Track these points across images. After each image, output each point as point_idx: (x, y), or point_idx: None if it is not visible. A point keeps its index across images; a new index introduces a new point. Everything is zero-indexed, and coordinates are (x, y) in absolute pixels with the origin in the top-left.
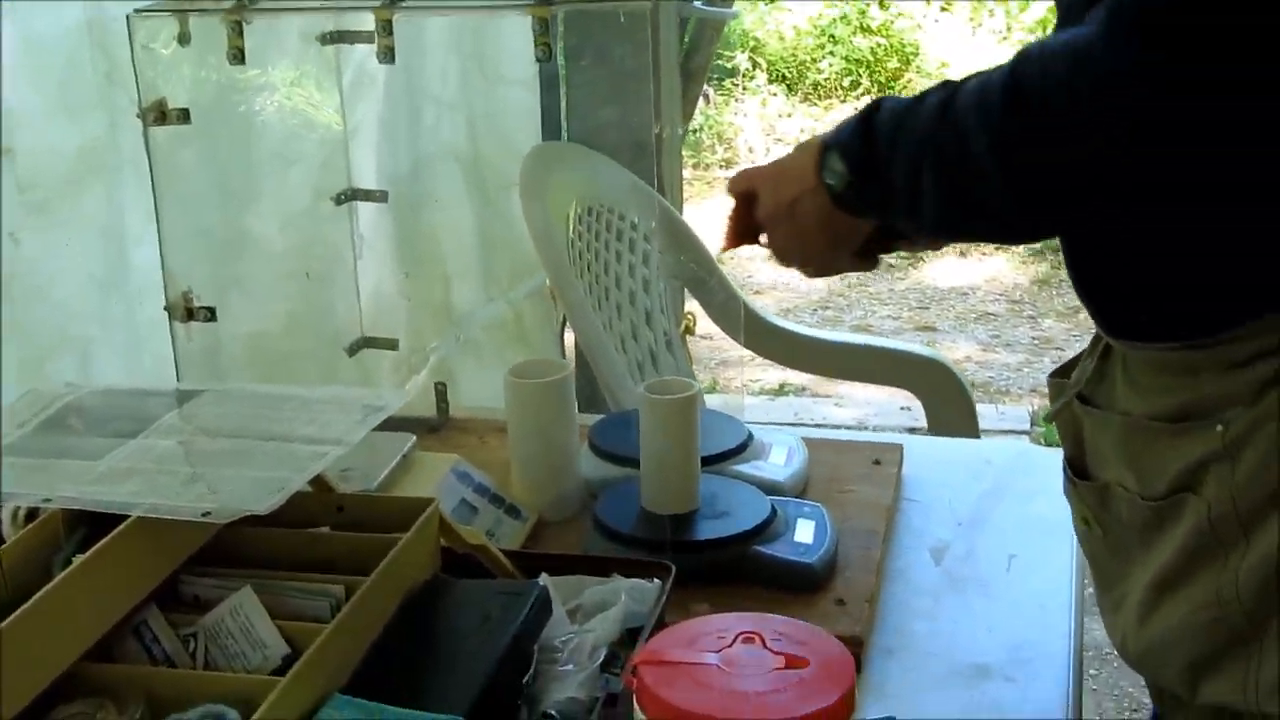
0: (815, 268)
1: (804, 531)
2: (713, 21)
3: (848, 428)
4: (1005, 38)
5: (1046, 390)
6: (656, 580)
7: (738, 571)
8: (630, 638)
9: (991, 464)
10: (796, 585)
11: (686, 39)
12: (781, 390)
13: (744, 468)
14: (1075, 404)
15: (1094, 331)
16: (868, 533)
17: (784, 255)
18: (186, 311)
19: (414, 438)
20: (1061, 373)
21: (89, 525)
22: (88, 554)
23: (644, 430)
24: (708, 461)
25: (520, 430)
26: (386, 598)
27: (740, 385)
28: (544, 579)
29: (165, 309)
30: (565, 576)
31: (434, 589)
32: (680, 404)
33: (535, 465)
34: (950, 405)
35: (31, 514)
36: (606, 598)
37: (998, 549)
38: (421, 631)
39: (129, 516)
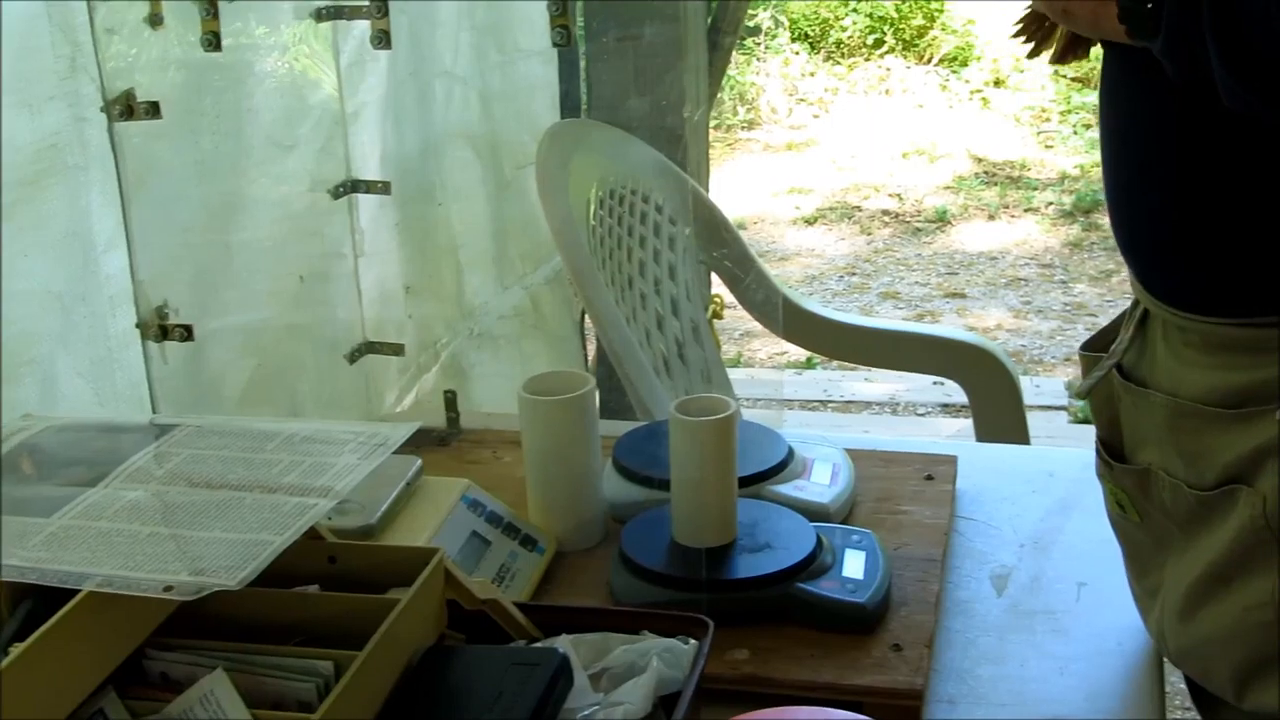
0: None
1: (854, 564)
2: None
3: (879, 404)
4: None
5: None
6: (693, 641)
7: (782, 612)
8: (665, 703)
9: (1054, 476)
10: (847, 627)
11: (714, 4)
12: (810, 364)
13: (785, 489)
14: (1114, 378)
15: (1130, 296)
16: (924, 561)
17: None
18: (160, 330)
19: (419, 462)
20: (1094, 345)
21: (36, 598)
22: (33, 636)
23: (675, 454)
24: (745, 482)
25: (537, 452)
26: (383, 674)
27: (766, 358)
28: (564, 641)
29: (137, 326)
30: (589, 635)
31: (439, 658)
32: (716, 427)
33: (554, 490)
34: (996, 395)
35: None
36: (636, 660)
37: (1066, 575)
38: (426, 713)
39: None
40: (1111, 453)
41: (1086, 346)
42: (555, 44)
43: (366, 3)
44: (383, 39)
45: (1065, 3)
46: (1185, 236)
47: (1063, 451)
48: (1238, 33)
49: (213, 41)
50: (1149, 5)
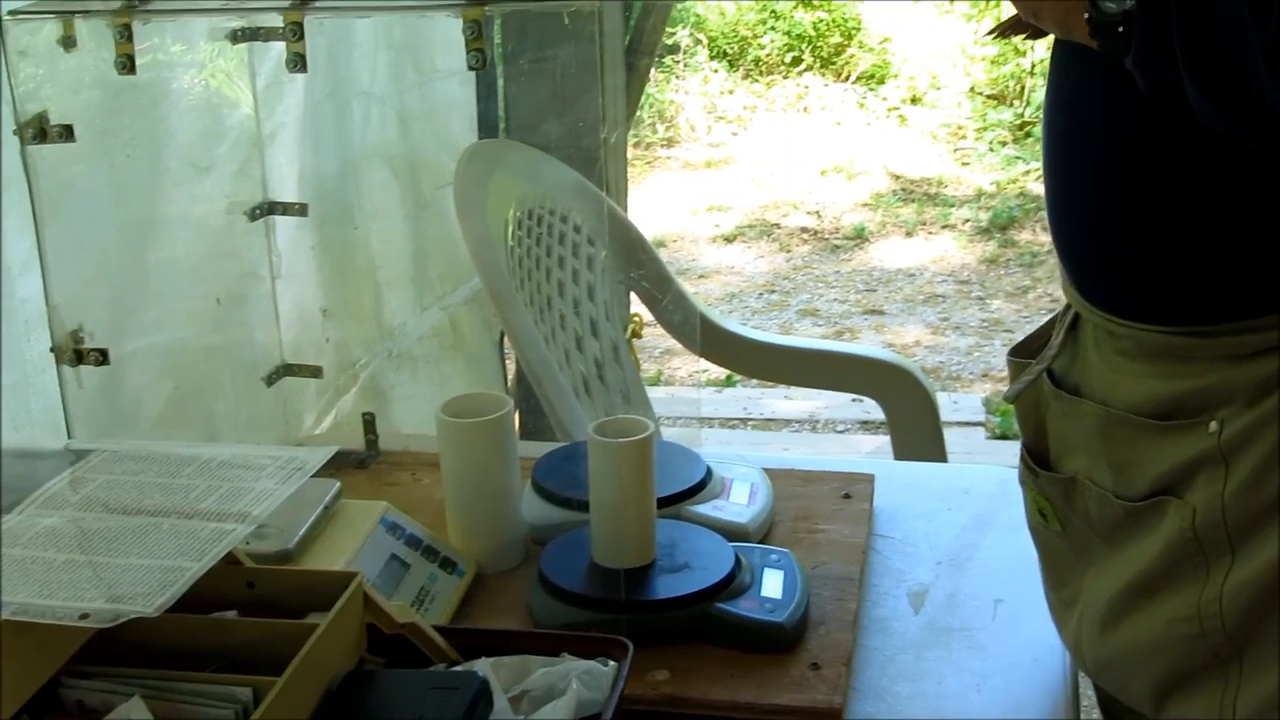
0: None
1: (772, 584)
2: (659, 7)
3: (798, 421)
4: (948, 11)
5: (999, 375)
6: (612, 663)
7: (701, 632)
8: None
9: (970, 493)
10: (766, 646)
11: (631, 25)
12: (729, 381)
13: (704, 509)
14: (1044, 384)
15: (1046, 312)
16: (842, 579)
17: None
18: (76, 354)
19: (338, 484)
20: (1022, 350)
21: None
22: None
23: (594, 476)
24: (664, 503)
25: (456, 474)
26: (302, 699)
27: (686, 376)
28: (484, 664)
29: (51, 350)
30: (508, 657)
31: (358, 682)
32: (634, 448)
33: (473, 512)
34: (914, 413)
35: None
36: (555, 682)
37: (982, 592)
38: None
39: None
40: (1037, 459)
41: (1015, 351)
42: (471, 67)
43: (282, 24)
44: (298, 62)
45: (1037, 2)
46: (1125, 242)
47: (979, 468)
48: (1210, 53)
49: (127, 64)
50: (1120, 29)
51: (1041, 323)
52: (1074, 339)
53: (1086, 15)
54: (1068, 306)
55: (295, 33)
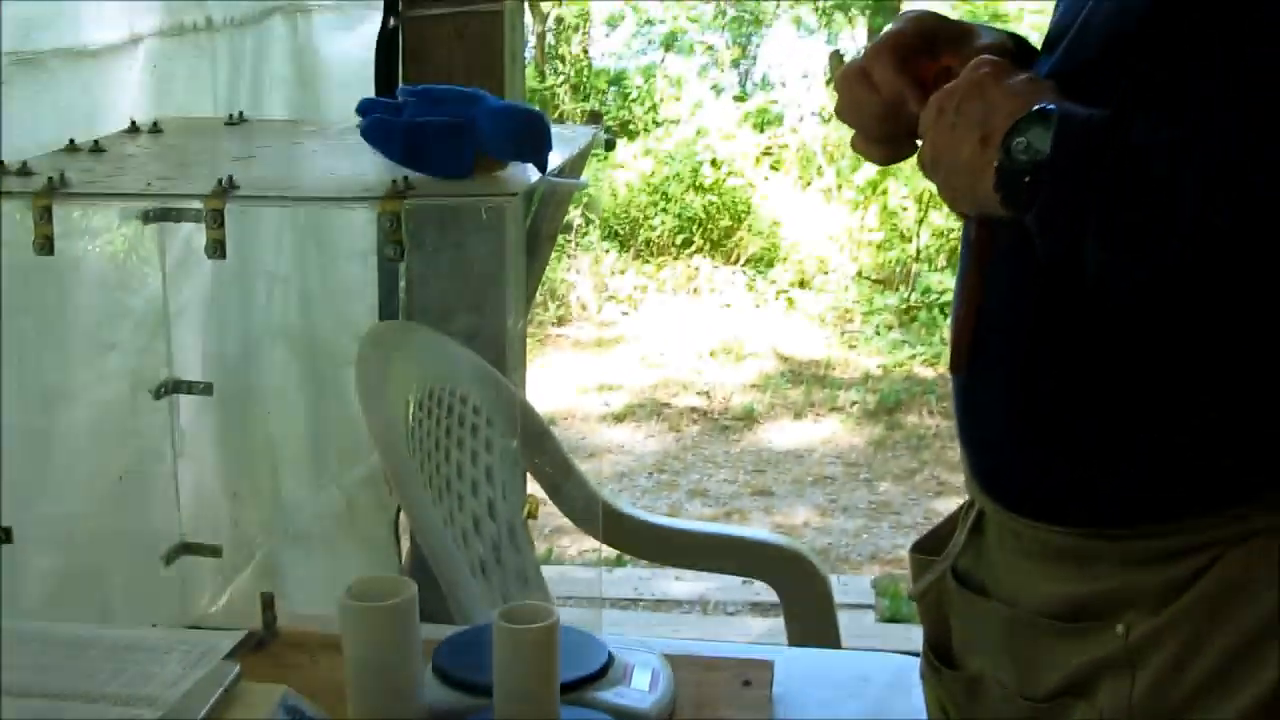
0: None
1: None
2: (560, 191)
3: (689, 602)
4: (834, 196)
5: (887, 557)
6: None
7: None
8: None
9: (869, 681)
10: None
11: (533, 209)
12: (620, 561)
13: (606, 695)
14: (949, 582)
15: (933, 495)
16: None
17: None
18: None
19: (237, 667)
20: (925, 547)
21: None
22: None
23: (498, 662)
24: (567, 688)
25: (357, 659)
26: None
27: (576, 555)
28: None
29: None
30: None
31: None
32: (539, 634)
33: (374, 698)
34: (809, 598)
35: None
36: None
37: None
38: None
39: None
40: (940, 656)
41: (918, 547)
42: (389, 258)
43: (198, 205)
44: (217, 249)
45: (946, 175)
46: (1026, 441)
47: (876, 656)
48: (1134, 191)
49: (46, 245)
50: (1026, 179)
51: (927, 505)
52: (978, 536)
53: (996, 163)
54: (971, 502)
55: (216, 220)
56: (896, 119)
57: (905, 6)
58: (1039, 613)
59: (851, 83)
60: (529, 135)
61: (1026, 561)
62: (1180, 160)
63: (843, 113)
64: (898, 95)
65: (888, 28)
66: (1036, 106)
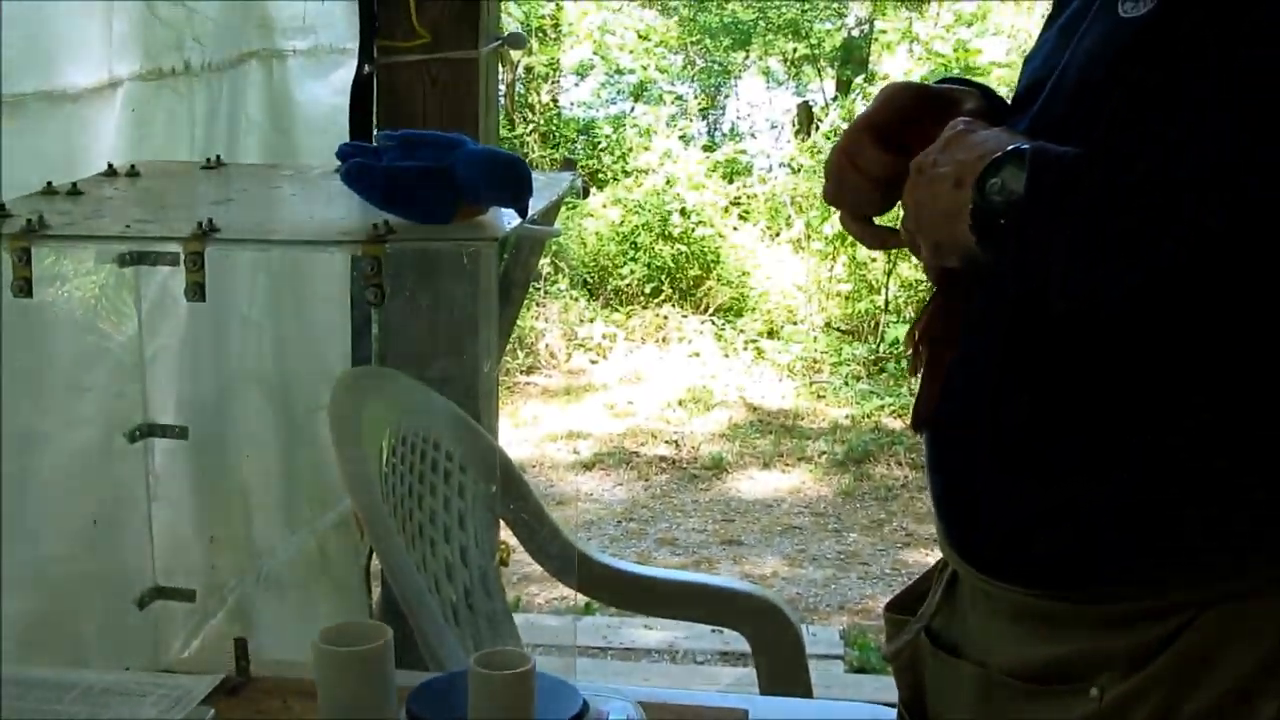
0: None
1: None
2: (534, 238)
3: (659, 650)
4: (803, 247)
5: (855, 607)
6: None
7: None
8: None
9: None
10: None
11: (506, 256)
12: (588, 609)
13: None
14: (922, 641)
15: (900, 545)
16: None
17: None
18: None
19: (212, 711)
20: (899, 606)
21: None
22: None
23: (474, 708)
24: None
25: (332, 704)
26: None
27: (544, 602)
28: None
29: None
30: None
31: None
32: (516, 680)
33: None
34: (780, 647)
35: None
36: None
37: None
38: None
39: None
40: (915, 716)
41: (891, 606)
42: (369, 303)
43: (175, 248)
44: (197, 292)
45: (928, 229)
46: (994, 505)
47: (850, 705)
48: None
49: (24, 288)
50: (1002, 220)
51: (896, 555)
52: (952, 596)
53: (971, 204)
54: (945, 563)
55: (195, 263)
56: (888, 198)
57: (873, 59)
58: (1010, 673)
59: (839, 166)
60: (511, 180)
61: (998, 622)
62: (1173, 162)
63: (831, 195)
64: (884, 172)
65: (862, 110)
66: (1011, 147)
